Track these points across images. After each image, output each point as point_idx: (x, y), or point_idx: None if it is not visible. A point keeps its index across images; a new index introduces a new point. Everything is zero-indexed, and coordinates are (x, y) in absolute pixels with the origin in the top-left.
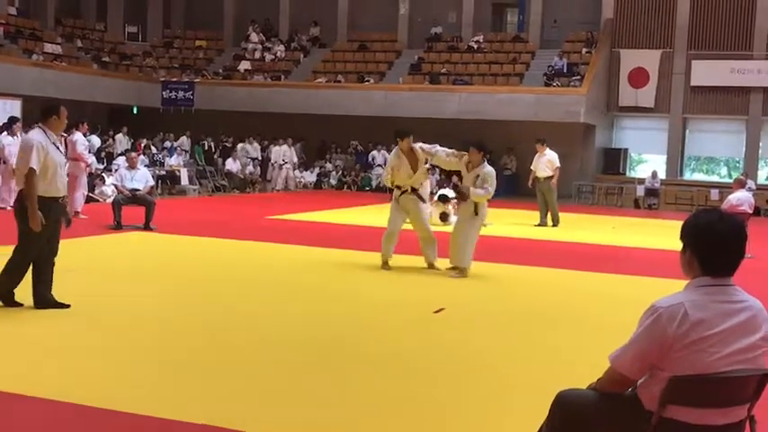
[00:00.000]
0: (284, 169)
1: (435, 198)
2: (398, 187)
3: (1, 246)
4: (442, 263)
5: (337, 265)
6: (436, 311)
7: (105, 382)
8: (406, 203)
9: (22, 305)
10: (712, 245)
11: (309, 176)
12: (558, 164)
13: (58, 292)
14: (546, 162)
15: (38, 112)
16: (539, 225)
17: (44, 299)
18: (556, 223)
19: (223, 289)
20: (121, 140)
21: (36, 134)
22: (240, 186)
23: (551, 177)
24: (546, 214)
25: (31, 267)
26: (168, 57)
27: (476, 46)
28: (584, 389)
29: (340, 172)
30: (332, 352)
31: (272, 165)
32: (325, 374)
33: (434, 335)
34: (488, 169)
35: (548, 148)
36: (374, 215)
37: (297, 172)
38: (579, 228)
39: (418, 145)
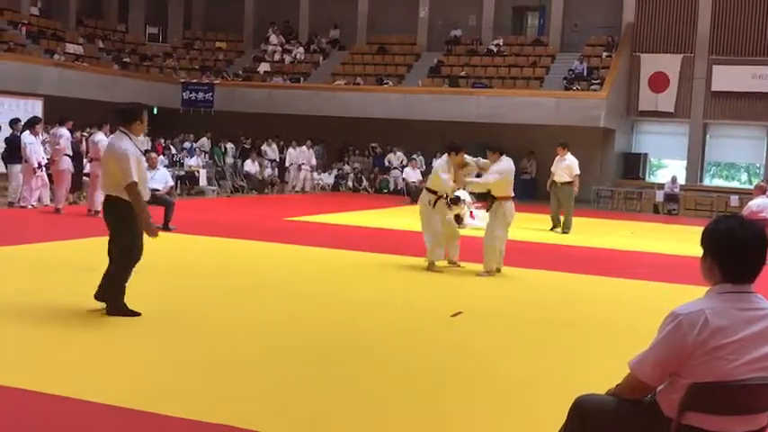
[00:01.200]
0: (302, 171)
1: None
2: (434, 192)
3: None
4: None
5: (355, 267)
6: (453, 315)
7: (134, 382)
8: (440, 208)
9: (139, 314)
10: (733, 252)
11: (327, 178)
12: (577, 171)
13: (78, 291)
14: (565, 167)
15: (118, 113)
16: (552, 229)
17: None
18: (566, 230)
19: (239, 290)
20: (141, 141)
21: (126, 143)
22: (258, 188)
23: (569, 183)
24: (558, 219)
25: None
26: (188, 58)
27: (496, 49)
28: (603, 394)
29: (358, 174)
30: (352, 357)
31: (290, 166)
32: (347, 379)
33: (452, 339)
34: (502, 165)
35: (569, 153)
36: (391, 218)
37: (315, 174)
38: (598, 233)
39: (470, 158)
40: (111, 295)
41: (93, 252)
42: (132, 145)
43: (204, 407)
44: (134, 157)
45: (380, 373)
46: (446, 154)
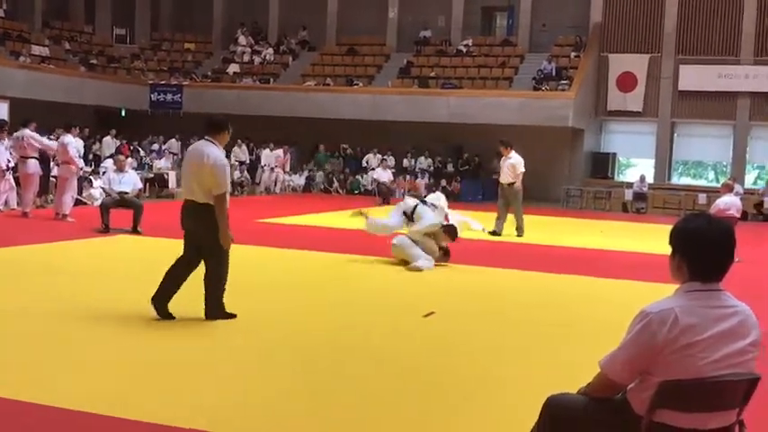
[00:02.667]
0: (275, 172)
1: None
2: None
3: None
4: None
5: (329, 268)
6: (426, 315)
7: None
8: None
9: (235, 316)
10: (701, 250)
11: (298, 179)
12: (521, 169)
13: (49, 295)
14: (509, 166)
15: (209, 123)
16: (492, 233)
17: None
18: (520, 233)
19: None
20: (109, 143)
21: (221, 152)
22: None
23: (514, 183)
24: (504, 221)
25: (168, 274)
26: (157, 59)
27: (465, 50)
28: (574, 393)
29: (329, 175)
30: (322, 357)
31: (263, 168)
32: (318, 380)
33: (425, 338)
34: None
35: (513, 152)
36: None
37: (286, 176)
38: (568, 232)
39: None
40: (218, 305)
41: (61, 256)
42: (224, 155)
43: (168, 410)
44: (228, 167)
45: (362, 374)
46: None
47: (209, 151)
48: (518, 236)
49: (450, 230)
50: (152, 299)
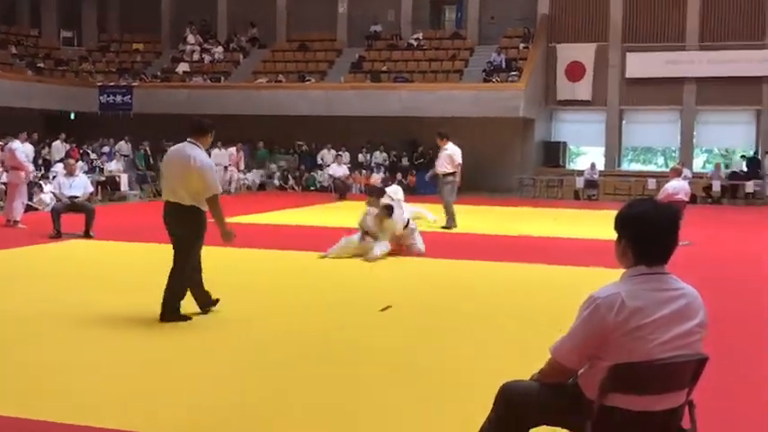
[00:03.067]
0: (228, 171)
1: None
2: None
3: None
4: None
5: (285, 266)
6: (383, 309)
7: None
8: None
9: (190, 318)
10: (647, 234)
11: (253, 177)
12: (459, 160)
13: (4, 302)
14: (446, 157)
15: (193, 125)
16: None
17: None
18: (449, 225)
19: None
20: (59, 147)
21: (205, 154)
22: None
23: (452, 174)
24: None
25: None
26: (105, 61)
27: (415, 43)
28: (527, 380)
29: (284, 172)
30: (276, 355)
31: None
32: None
33: (380, 333)
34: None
35: (450, 143)
36: (320, 215)
37: (240, 174)
38: (521, 221)
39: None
40: (174, 302)
41: (12, 263)
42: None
43: (122, 413)
44: (215, 168)
45: (316, 371)
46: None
47: (195, 154)
48: (445, 227)
49: (388, 209)
50: (201, 309)
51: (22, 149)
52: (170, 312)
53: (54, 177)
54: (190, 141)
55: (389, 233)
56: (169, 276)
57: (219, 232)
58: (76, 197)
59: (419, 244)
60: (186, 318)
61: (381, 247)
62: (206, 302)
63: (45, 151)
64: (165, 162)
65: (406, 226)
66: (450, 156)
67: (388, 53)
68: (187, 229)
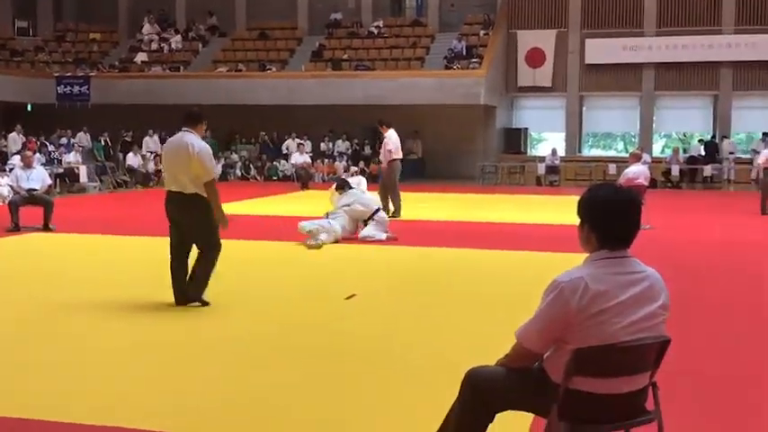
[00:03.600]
0: None
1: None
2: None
3: None
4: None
5: (244, 256)
6: (348, 297)
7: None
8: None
9: (209, 303)
10: (608, 219)
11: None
12: (389, 147)
13: None
14: (384, 145)
15: (186, 115)
16: (394, 215)
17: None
18: (395, 214)
19: (127, 285)
20: (15, 139)
21: (201, 141)
22: (143, 181)
23: (393, 161)
24: (399, 199)
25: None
26: (61, 51)
27: (376, 31)
28: (493, 365)
29: (246, 162)
30: (240, 344)
31: None
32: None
33: (346, 321)
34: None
35: (391, 130)
36: (282, 204)
37: None
38: (484, 208)
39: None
40: (202, 287)
41: None
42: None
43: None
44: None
45: (280, 359)
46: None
47: (192, 141)
48: (392, 216)
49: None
50: (177, 302)
51: None
52: (196, 298)
53: (11, 170)
54: (185, 130)
55: (355, 222)
56: (198, 264)
57: (217, 215)
58: (35, 190)
59: (378, 235)
60: (207, 303)
61: (330, 234)
62: (184, 298)
63: (1, 143)
64: (166, 153)
65: (371, 217)
66: (386, 143)
67: (348, 41)
68: (194, 218)
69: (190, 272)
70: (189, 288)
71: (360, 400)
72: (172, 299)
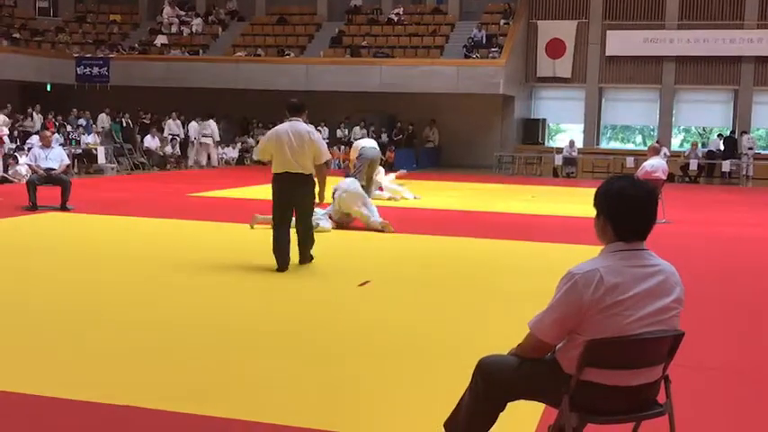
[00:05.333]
0: (204, 146)
1: None
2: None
3: None
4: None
5: (260, 240)
6: (361, 284)
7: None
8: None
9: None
10: (625, 211)
11: (231, 152)
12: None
13: None
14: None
15: (292, 106)
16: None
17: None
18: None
19: (143, 268)
20: (34, 119)
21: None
22: (160, 164)
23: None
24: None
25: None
26: (82, 32)
27: (396, 18)
28: (505, 354)
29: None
30: (253, 331)
31: (192, 141)
32: (248, 356)
33: (360, 307)
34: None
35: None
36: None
37: (219, 148)
38: (500, 198)
39: None
40: (311, 248)
41: None
42: None
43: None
44: None
45: (296, 344)
46: None
47: (308, 129)
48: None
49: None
50: (281, 269)
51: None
52: (308, 258)
53: (30, 149)
54: (293, 119)
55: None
56: (302, 233)
57: (320, 192)
58: (53, 169)
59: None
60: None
61: (327, 222)
62: (287, 261)
63: (27, 122)
64: (282, 139)
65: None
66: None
67: (368, 28)
68: (310, 194)
69: (300, 240)
70: (304, 252)
71: (370, 387)
72: (177, 280)
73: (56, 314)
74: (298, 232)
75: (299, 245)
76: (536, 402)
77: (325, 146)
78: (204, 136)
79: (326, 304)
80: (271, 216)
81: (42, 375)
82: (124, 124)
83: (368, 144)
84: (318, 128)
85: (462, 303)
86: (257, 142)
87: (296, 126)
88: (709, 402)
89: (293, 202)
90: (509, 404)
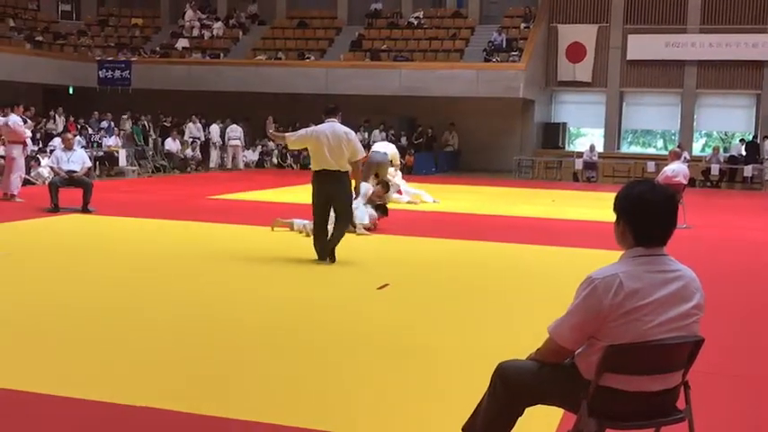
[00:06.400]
0: (232, 148)
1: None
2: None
3: None
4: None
5: (277, 243)
6: (380, 287)
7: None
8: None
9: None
10: (645, 215)
11: (251, 155)
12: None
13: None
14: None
15: (328, 109)
16: None
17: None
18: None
19: (164, 269)
20: (57, 121)
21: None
22: (180, 166)
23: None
24: None
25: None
26: (104, 35)
27: (416, 22)
28: (524, 359)
29: (282, 150)
30: (278, 334)
31: (214, 144)
32: (268, 358)
33: (379, 310)
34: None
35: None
36: None
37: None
38: (520, 202)
39: None
40: (336, 244)
41: (9, 237)
42: None
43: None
44: None
45: (317, 345)
46: None
47: (346, 129)
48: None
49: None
50: (320, 259)
51: (20, 122)
52: (332, 254)
53: (52, 151)
54: (331, 121)
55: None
56: (337, 227)
57: (355, 186)
58: (74, 172)
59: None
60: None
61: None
62: (327, 254)
63: (50, 125)
64: (321, 140)
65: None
66: None
67: (388, 32)
68: (348, 189)
69: (332, 238)
70: (328, 245)
71: (389, 390)
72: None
73: (73, 312)
74: (333, 228)
75: (329, 238)
76: (554, 407)
77: (360, 145)
78: (231, 138)
79: (342, 307)
80: (290, 220)
81: (49, 373)
82: (140, 127)
83: (377, 149)
84: None
85: (480, 307)
86: (278, 146)
87: (334, 127)
88: (729, 409)
89: (331, 196)
90: (527, 409)
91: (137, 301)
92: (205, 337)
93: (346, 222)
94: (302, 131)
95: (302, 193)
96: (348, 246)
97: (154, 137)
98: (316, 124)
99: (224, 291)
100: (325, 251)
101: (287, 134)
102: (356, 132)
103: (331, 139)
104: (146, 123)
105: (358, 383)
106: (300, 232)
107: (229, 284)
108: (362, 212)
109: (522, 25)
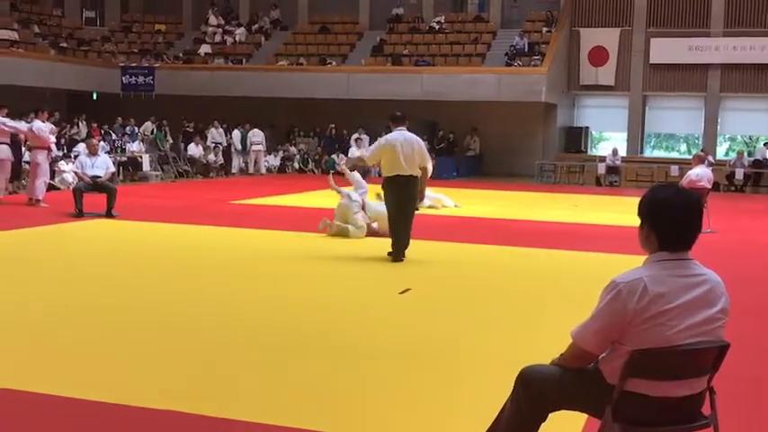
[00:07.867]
0: (254, 153)
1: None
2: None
3: None
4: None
5: (299, 248)
6: (402, 292)
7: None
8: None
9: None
10: (669, 220)
11: (273, 160)
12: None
13: (18, 281)
14: None
15: (394, 117)
16: None
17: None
18: None
19: (189, 274)
20: (80, 127)
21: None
22: (203, 172)
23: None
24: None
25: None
26: (127, 41)
27: (437, 26)
28: (547, 364)
29: (304, 155)
30: (300, 338)
31: (236, 149)
32: (293, 362)
33: (401, 315)
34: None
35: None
36: (337, 198)
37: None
38: (542, 206)
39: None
40: (407, 246)
41: (34, 242)
42: None
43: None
44: None
45: (340, 349)
46: None
47: (415, 136)
48: None
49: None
50: (395, 259)
51: (45, 127)
52: (402, 255)
53: (76, 157)
54: (400, 129)
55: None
56: (404, 228)
57: (421, 189)
58: (98, 177)
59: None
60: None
61: (356, 231)
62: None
63: (73, 131)
64: (396, 148)
65: None
66: None
67: (409, 36)
68: (414, 193)
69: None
70: (404, 246)
71: (411, 395)
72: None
73: (81, 313)
74: (402, 229)
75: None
76: (578, 413)
77: (427, 152)
78: (254, 143)
79: (362, 311)
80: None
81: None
82: (163, 132)
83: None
84: (359, 136)
85: (504, 312)
86: (299, 151)
87: (405, 135)
88: (755, 415)
89: (405, 199)
90: (551, 414)
91: (152, 302)
92: (216, 337)
93: (410, 223)
94: (375, 146)
95: (325, 198)
96: (369, 249)
97: (171, 141)
98: (337, 129)
99: (252, 296)
100: (401, 252)
101: (363, 155)
102: (379, 137)
103: (404, 147)
104: (165, 129)
105: (375, 387)
106: (331, 232)
107: (258, 290)
108: (363, 215)
109: (544, 29)
